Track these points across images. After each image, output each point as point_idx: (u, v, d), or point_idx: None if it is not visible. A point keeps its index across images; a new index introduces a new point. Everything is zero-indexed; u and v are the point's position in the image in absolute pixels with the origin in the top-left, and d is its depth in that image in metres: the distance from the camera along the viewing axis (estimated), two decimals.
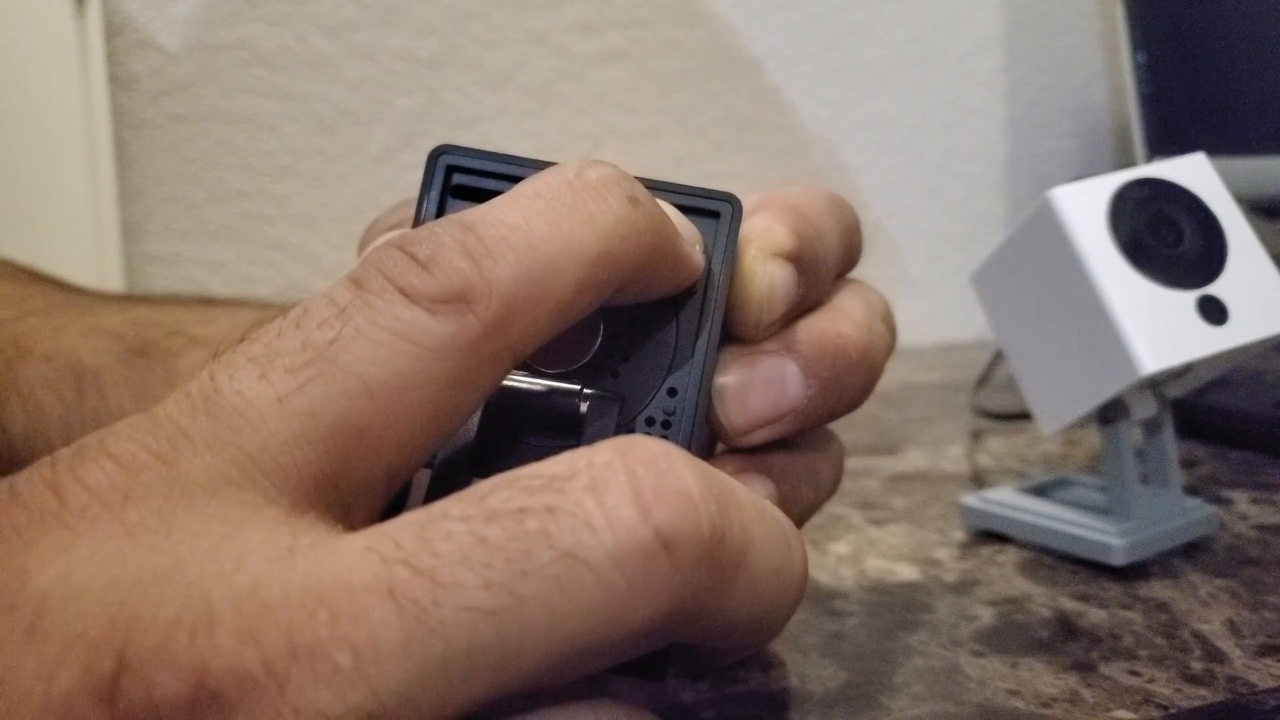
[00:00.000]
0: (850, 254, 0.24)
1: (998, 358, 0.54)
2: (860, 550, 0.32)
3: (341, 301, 0.16)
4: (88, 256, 0.52)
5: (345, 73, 0.59)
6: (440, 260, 0.16)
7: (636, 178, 0.19)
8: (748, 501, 0.16)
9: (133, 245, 0.56)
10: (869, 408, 0.24)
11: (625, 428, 0.20)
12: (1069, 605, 0.28)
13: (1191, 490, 0.36)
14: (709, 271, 0.20)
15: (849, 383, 0.22)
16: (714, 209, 0.20)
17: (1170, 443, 0.32)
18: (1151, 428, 0.32)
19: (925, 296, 0.74)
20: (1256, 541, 0.32)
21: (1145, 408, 0.30)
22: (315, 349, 0.16)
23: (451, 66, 0.61)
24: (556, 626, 0.14)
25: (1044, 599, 0.28)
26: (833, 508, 0.36)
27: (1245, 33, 0.55)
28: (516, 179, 0.19)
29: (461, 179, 0.20)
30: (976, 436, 0.47)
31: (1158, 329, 0.27)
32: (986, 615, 0.27)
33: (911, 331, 0.73)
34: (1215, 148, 0.35)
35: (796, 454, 0.22)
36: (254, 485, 0.15)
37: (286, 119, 0.58)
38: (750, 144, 0.68)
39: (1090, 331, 0.28)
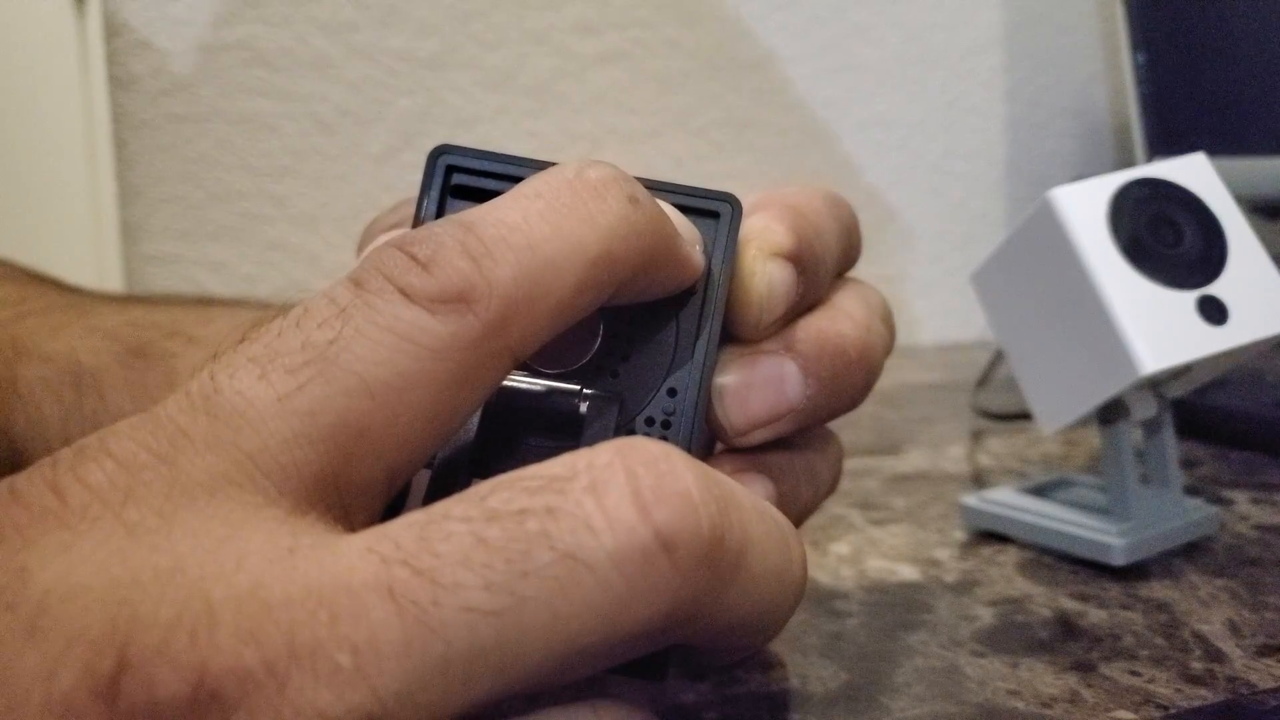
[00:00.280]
0: (849, 253, 0.24)
1: (998, 358, 0.54)
2: (860, 550, 0.32)
3: (341, 301, 0.16)
4: (87, 257, 0.52)
5: (345, 73, 0.59)
6: (440, 260, 0.16)
7: (636, 178, 0.19)
8: (747, 502, 0.16)
9: (132, 246, 0.56)
10: (869, 408, 0.24)
11: (625, 428, 0.20)
12: (1069, 605, 0.28)
13: (1192, 490, 0.36)
14: (709, 271, 0.20)
15: (848, 382, 0.22)
16: (714, 209, 0.20)
17: (1170, 443, 0.32)
18: (1151, 428, 0.32)
19: (925, 296, 0.74)
20: (1257, 542, 0.32)
21: (1145, 408, 0.30)
22: (315, 349, 0.16)
23: (451, 66, 0.61)
24: (557, 627, 0.14)
25: (1044, 599, 0.28)
26: (833, 508, 0.36)
27: (1245, 33, 0.55)
28: (516, 179, 0.19)
29: (461, 179, 0.20)
30: (977, 436, 0.47)
31: (1158, 329, 0.27)
32: (987, 615, 0.27)
33: (911, 331, 0.73)
34: (1215, 148, 0.35)
35: (795, 453, 0.22)
36: (254, 485, 0.15)
37: (286, 119, 0.58)
38: (750, 144, 0.68)
39: (1090, 331, 0.28)
